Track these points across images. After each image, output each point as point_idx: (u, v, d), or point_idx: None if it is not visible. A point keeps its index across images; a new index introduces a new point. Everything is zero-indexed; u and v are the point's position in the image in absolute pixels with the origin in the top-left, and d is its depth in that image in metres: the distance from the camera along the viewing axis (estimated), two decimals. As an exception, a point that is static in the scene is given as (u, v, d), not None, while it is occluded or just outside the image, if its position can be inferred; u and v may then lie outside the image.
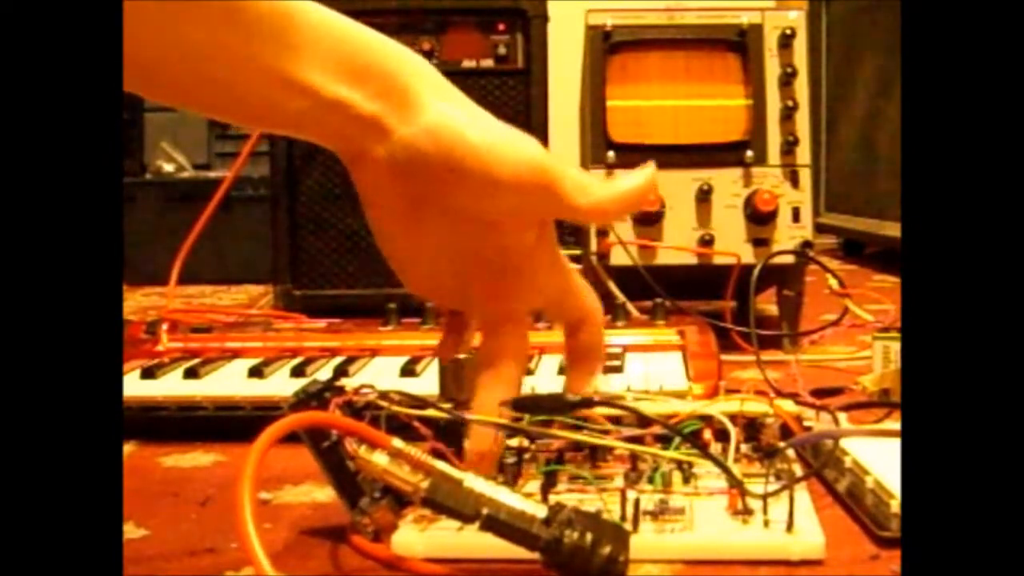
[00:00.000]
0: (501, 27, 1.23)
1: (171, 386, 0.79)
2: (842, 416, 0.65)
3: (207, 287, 1.73)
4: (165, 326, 0.92)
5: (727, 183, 1.08)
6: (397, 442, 0.48)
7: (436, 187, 0.51)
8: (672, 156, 1.08)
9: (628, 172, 0.56)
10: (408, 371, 0.80)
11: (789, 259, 1.06)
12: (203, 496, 0.62)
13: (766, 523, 0.52)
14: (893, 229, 1.72)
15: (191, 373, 0.81)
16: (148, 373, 0.81)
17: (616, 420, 0.59)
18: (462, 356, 0.61)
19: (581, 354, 0.60)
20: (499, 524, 0.46)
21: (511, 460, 0.58)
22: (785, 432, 0.60)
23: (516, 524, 0.46)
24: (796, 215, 1.08)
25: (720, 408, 0.60)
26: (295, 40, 0.49)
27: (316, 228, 1.28)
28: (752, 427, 0.61)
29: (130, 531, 0.57)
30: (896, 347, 0.77)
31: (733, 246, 1.07)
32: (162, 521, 0.58)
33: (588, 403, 0.57)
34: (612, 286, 1.06)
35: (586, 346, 0.60)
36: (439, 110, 0.51)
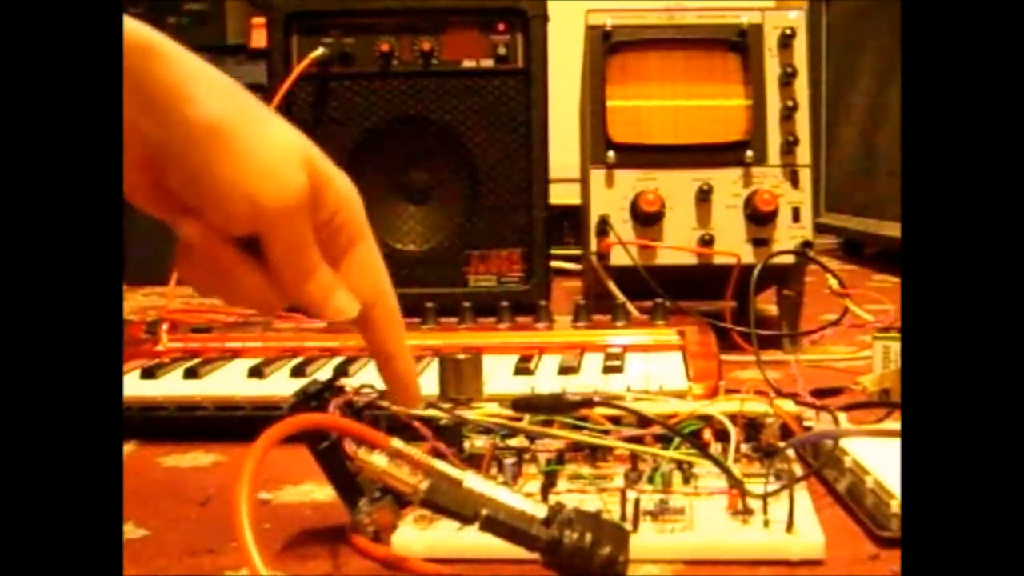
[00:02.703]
0: (501, 27, 1.23)
1: (171, 386, 0.79)
2: (842, 416, 0.65)
3: (207, 287, 1.72)
4: (165, 326, 0.92)
5: (727, 183, 1.08)
6: (396, 443, 0.48)
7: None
8: (672, 156, 1.08)
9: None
10: (408, 371, 0.80)
11: (789, 259, 1.06)
12: (203, 496, 0.62)
13: (766, 523, 0.52)
14: (893, 229, 1.72)
15: (191, 373, 0.81)
16: (148, 373, 0.81)
17: (616, 420, 0.59)
18: (462, 356, 0.61)
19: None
20: (498, 525, 0.46)
21: (511, 460, 0.58)
22: (785, 432, 0.60)
23: (515, 525, 0.46)
24: (796, 215, 1.08)
25: (720, 408, 0.60)
26: None
27: (316, 228, 1.27)
28: (752, 427, 0.61)
29: (130, 531, 0.57)
30: (896, 347, 0.77)
31: (733, 246, 1.07)
32: (162, 521, 0.58)
33: (588, 403, 0.57)
34: (612, 286, 1.06)
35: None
36: (185, 127, 0.44)
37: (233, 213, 0.45)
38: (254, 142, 0.45)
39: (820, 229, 1.99)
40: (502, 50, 1.22)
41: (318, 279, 0.48)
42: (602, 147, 1.08)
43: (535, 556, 0.46)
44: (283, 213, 0.45)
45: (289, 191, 0.45)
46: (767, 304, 1.20)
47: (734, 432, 0.58)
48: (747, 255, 1.06)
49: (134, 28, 0.45)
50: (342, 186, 0.49)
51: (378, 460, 0.48)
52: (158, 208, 0.48)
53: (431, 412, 0.55)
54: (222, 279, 0.48)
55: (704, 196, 1.07)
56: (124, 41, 0.44)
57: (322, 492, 0.61)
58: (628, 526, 0.50)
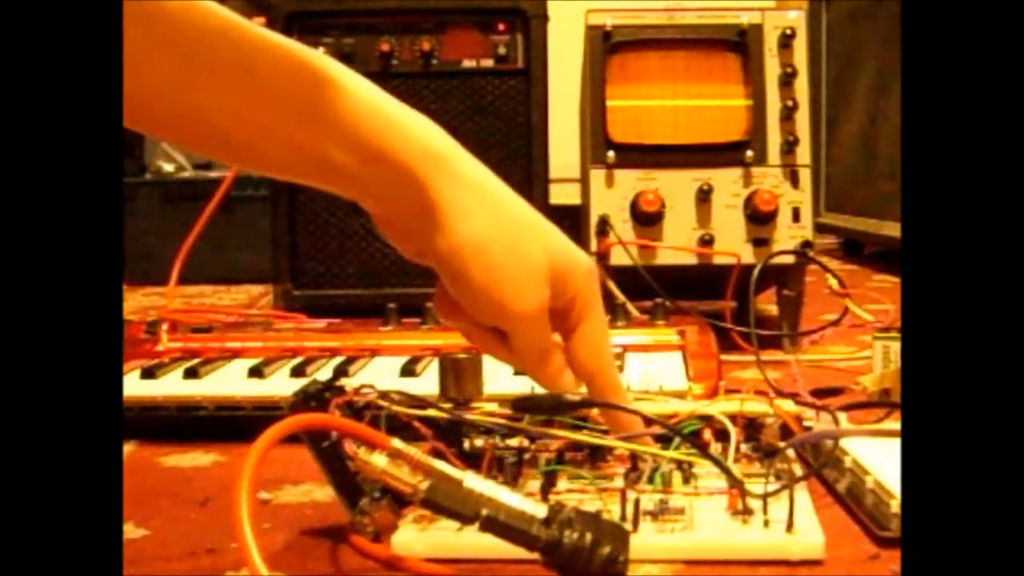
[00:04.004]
0: (501, 27, 1.23)
1: (171, 386, 0.79)
2: (842, 416, 0.65)
3: (207, 287, 1.73)
4: (165, 326, 0.92)
5: (727, 183, 1.08)
6: (396, 442, 0.48)
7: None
8: (672, 156, 1.08)
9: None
10: (408, 371, 0.80)
11: (789, 259, 1.06)
12: (203, 496, 0.62)
13: (766, 523, 0.52)
14: (893, 229, 1.72)
15: (191, 373, 0.81)
16: (148, 373, 0.81)
17: (616, 420, 0.59)
18: (462, 356, 0.61)
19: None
20: (498, 525, 0.46)
21: (511, 460, 0.58)
22: (785, 432, 0.60)
23: (515, 525, 0.45)
24: (796, 215, 1.08)
25: (720, 408, 0.60)
26: (317, 115, 0.49)
27: (316, 228, 1.28)
28: (752, 427, 0.61)
29: (130, 531, 0.57)
30: (896, 347, 0.77)
31: (733, 246, 1.07)
32: (162, 521, 0.58)
33: (588, 403, 0.57)
34: (612, 286, 1.06)
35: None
36: (454, 240, 0.51)
37: (483, 314, 0.53)
38: (507, 259, 0.52)
39: (820, 229, 1.99)
40: (502, 50, 1.22)
41: (550, 365, 0.55)
42: (602, 147, 1.08)
43: (535, 556, 0.46)
44: (524, 319, 0.53)
45: (531, 303, 0.52)
46: (767, 304, 1.20)
47: (734, 432, 0.58)
48: (747, 255, 1.06)
49: (434, 135, 0.52)
50: (581, 272, 0.55)
51: (378, 460, 0.48)
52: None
53: (431, 412, 0.55)
54: (475, 343, 0.56)
55: (704, 196, 1.07)
56: (418, 146, 0.51)
57: (322, 492, 0.61)
58: (628, 526, 0.50)
